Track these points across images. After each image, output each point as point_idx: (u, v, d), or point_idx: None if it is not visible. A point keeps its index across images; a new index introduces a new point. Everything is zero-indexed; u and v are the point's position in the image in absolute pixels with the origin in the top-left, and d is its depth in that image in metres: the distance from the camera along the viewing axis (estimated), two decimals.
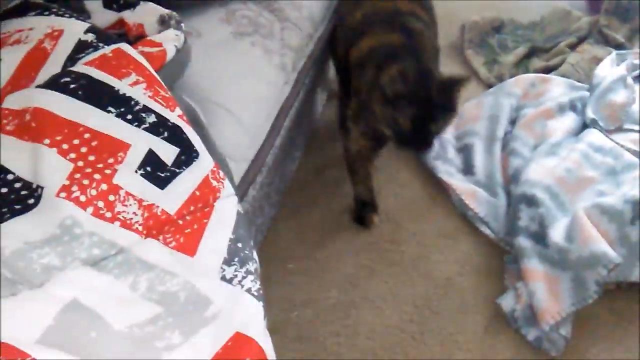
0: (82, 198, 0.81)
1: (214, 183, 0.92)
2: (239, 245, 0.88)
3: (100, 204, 0.82)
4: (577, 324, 1.42)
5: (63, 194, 0.81)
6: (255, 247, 1.48)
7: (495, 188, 1.76)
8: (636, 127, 1.86)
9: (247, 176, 1.24)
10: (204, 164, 0.92)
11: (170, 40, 1.13)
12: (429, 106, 1.36)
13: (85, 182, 0.83)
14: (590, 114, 1.89)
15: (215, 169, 0.94)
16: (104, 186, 0.83)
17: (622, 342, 1.42)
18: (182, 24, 1.21)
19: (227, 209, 0.90)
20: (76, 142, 0.86)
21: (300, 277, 1.54)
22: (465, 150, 1.86)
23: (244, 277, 0.85)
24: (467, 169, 1.82)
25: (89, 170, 0.84)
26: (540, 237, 1.54)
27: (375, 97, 1.40)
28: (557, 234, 1.51)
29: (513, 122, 1.94)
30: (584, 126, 1.89)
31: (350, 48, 1.56)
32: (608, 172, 1.70)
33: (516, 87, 2.04)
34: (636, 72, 2.04)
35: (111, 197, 0.83)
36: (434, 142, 1.43)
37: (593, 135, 1.82)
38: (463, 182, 1.77)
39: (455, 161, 1.84)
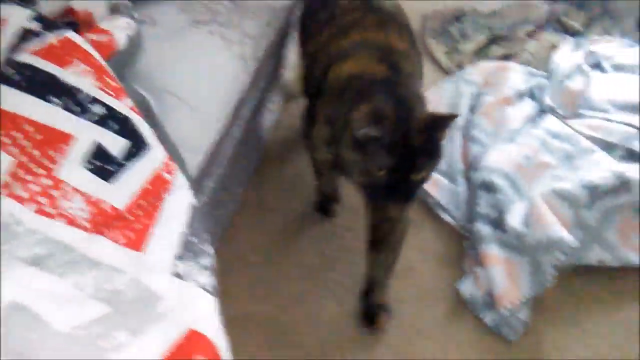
0: (24, 194, 0.78)
1: (166, 176, 0.90)
2: (193, 239, 0.86)
3: (43, 200, 0.79)
4: (536, 308, 1.45)
5: (4, 191, 0.78)
6: (214, 240, 1.46)
7: (455, 175, 1.77)
8: (592, 113, 1.89)
9: (204, 168, 1.22)
10: (156, 156, 0.90)
11: (121, 29, 1.10)
12: (409, 154, 1.12)
13: (28, 177, 0.79)
14: (547, 101, 1.91)
15: (167, 161, 0.91)
16: (47, 181, 0.80)
17: (581, 324, 1.45)
18: (135, 13, 1.18)
19: (179, 203, 0.88)
20: (18, 135, 0.82)
21: (262, 269, 1.53)
22: None
23: (197, 273, 0.83)
24: None
25: (31, 165, 0.80)
26: (498, 222, 1.56)
27: (345, 139, 1.19)
28: (514, 219, 1.53)
29: (472, 109, 1.95)
30: (542, 113, 1.92)
31: (330, 67, 1.35)
32: (565, 158, 1.73)
33: (476, 74, 2.06)
34: (593, 60, 2.07)
35: (55, 193, 0.80)
36: (415, 195, 1.19)
37: (550, 122, 1.85)
38: None
39: None
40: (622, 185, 1.57)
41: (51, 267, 0.74)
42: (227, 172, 1.46)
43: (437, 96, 2.02)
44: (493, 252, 1.50)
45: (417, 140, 1.13)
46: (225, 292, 1.45)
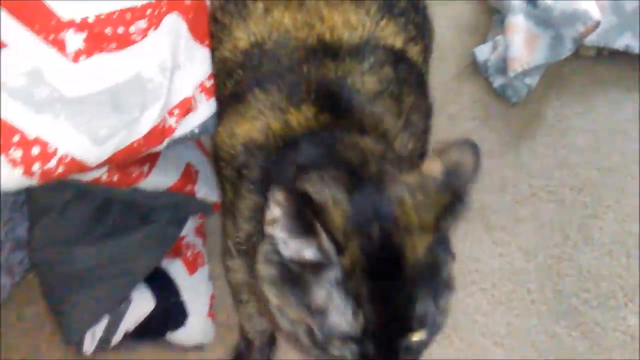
0: None
1: None
2: None
3: None
4: (548, 81, 1.49)
5: None
6: None
7: None
8: None
9: None
10: None
11: None
12: (394, 286, 0.59)
13: None
14: None
15: None
16: None
17: (588, 101, 1.48)
18: None
19: None
20: None
21: None
22: None
23: None
24: None
25: None
26: None
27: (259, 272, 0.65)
28: None
29: None
30: None
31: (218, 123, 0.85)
32: None
33: None
34: None
35: None
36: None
37: None
38: None
39: None
40: None
41: None
42: None
43: None
44: (518, 22, 1.51)
45: (410, 252, 0.59)
46: None
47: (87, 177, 0.88)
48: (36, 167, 0.76)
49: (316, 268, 0.58)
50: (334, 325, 0.58)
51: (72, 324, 1.00)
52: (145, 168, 0.95)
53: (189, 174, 1.04)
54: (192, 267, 1.10)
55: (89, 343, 1.01)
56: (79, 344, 1.01)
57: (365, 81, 0.76)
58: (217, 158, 0.83)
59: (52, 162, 0.77)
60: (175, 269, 1.09)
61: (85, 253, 0.98)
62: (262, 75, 0.77)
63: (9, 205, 1.03)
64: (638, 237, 1.26)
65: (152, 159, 0.95)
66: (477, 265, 1.24)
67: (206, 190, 1.07)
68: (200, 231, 1.17)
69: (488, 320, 1.18)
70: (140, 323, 1.04)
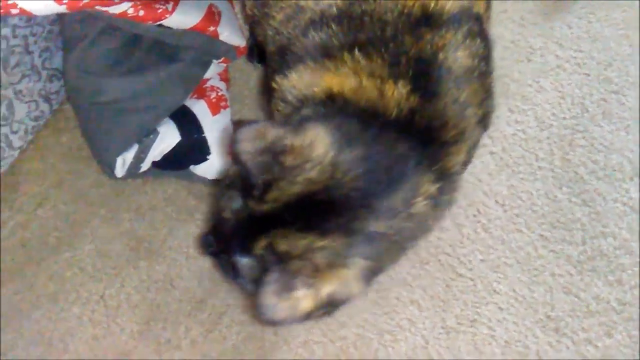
0: None
1: None
2: None
3: None
4: None
5: None
6: None
7: None
8: None
9: None
10: None
11: None
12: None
13: None
14: None
15: None
16: None
17: None
18: None
19: None
20: None
21: None
22: None
23: None
24: None
25: None
26: None
27: None
28: None
29: None
30: None
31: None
32: None
33: None
34: None
35: None
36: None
37: None
38: None
39: None
40: None
41: None
42: None
43: None
44: None
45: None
46: None
47: (114, 10, 0.93)
48: None
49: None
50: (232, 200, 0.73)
51: (104, 150, 1.10)
52: (170, 6, 0.98)
53: (212, 15, 1.07)
54: (215, 108, 1.17)
55: (120, 168, 1.12)
56: (111, 167, 1.12)
57: (458, 56, 0.74)
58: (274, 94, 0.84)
59: None
60: (200, 109, 1.15)
61: (114, 85, 1.05)
62: (364, 38, 0.73)
63: (44, 35, 1.10)
64: None
65: None
66: (490, 130, 1.26)
67: (229, 32, 1.10)
68: (224, 76, 1.22)
69: (492, 181, 1.23)
70: (167, 154, 1.13)
